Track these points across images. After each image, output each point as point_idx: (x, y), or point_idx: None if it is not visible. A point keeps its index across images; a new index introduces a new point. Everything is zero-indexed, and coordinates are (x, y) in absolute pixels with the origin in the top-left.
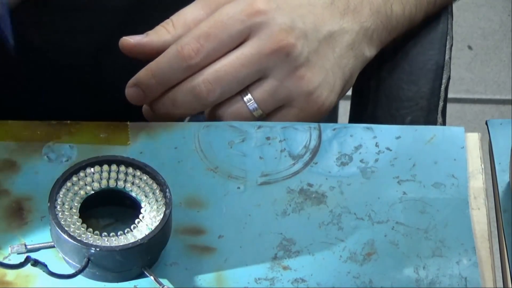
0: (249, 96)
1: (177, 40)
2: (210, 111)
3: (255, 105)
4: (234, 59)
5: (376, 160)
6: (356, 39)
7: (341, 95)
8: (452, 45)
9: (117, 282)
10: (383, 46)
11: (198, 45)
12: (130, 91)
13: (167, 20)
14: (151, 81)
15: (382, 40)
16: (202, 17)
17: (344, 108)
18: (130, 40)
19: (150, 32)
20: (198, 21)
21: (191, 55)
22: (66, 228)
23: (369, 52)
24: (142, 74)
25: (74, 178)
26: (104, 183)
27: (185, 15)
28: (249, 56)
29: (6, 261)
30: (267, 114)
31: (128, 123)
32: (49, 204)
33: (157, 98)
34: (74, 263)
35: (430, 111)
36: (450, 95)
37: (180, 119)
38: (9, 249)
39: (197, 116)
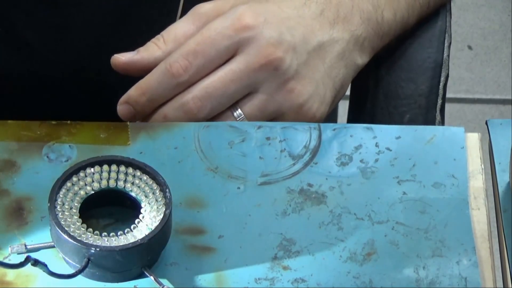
0: (239, 111)
1: (166, 58)
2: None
3: (245, 120)
4: (223, 75)
5: (376, 160)
6: (347, 48)
7: (333, 105)
8: (450, 43)
9: (117, 282)
10: (375, 52)
11: (187, 62)
12: (121, 108)
13: (158, 36)
14: (142, 99)
15: (374, 47)
16: (193, 31)
17: (344, 108)
18: (121, 58)
19: (141, 49)
20: (188, 36)
21: (180, 72)
22: (66, 228)
23: (361, 60)
24: (133, 92)
25: (74, 178)
26: (104, 183)
27: (175, 30)
28: (237, 72)
29: (6, 261)
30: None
31: (128, 123)
32: (49, 204)
33: (148, 114)
34: (74, 263)
35: (429, 109)
36: (450, 95)
37: None
38: (9, 249)
39: None
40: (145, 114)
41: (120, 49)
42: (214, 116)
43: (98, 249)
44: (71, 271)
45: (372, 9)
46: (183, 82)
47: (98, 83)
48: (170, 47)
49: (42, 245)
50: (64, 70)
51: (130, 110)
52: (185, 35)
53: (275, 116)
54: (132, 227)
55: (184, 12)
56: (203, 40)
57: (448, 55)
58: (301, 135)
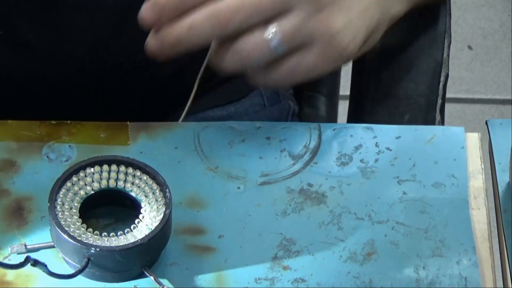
0: (271, 30)
1: None
2: (227, 45)
3: (276, 40)
4: None
5: (376, 160)
6: None
7: (364, 48)
8: (450, 43)
9: (117, 282)
10: (413, 4)
11: None
12: (145, 12)
13: None
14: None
15: None
16: None
17: (344, 108)
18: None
19: None
20: None
21: None
22: (66, 228)
23: (398, 8)
24: None
25: (74, 178)
26: (104, 183)
27: None
28: None
29: (6, 261)
30: (286, 53)
31: (128, 123)
32: (49, 204)
33: (173, 21)
34: (74, 263)
35: (429, 109)
36: (450, 95)
37: (178, 117)
38: (9, 249)
39: (196, 115)
40: (170, 18)
41: (121, 50)
42: (243, 33)
43: (98, 249)
44: (71, 271)
45: None
46: None
47: (99, 83)
48: None
49: (42, 245)
50: (64, 71)
51: (155, 13)
52: None
53: (306, 43)
54: (132, 227)
55: None
56: None
57: (448, 55)
58: (301, 135)
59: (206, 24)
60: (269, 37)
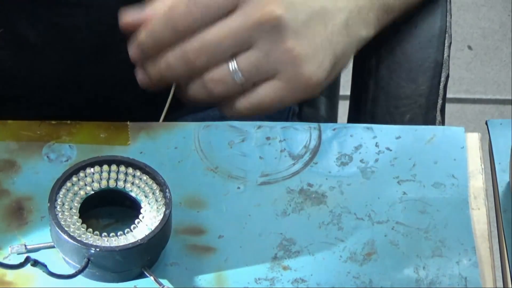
0: (234, 64)
1: (170, 4)
2: (197, 78)
3: (239, 74)
4: (219, 29)
5: (376, 160)
6: (350, 17)
7: (333, 74)
8: (450, 43)
9: (117, 282)
10: (381, 27)
11: (187, 9)
12: (131, 51)
13: None
14: (148, 41)
15: (379, 19)
16: None
17: (344, 108)
18: (128, 18)
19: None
20: None
21: (180, 18)
22: (66, 228)
23: (366, 32)
24: (141, 34)
25: (74, 178)
26: (104, 183)
27: None
28: (234, 28)
29: (6, 261)
30: (251, 85)
31: (128, 123)
32: (49, 204)
33: (153, 60)
34: (74, 263)
35: (429, 109)
36: (450, 95)
37: (179, 117)
38: (9, 249)
39: (196, 115)
40: (149, 56)
41: (122, 50)
42: (211, 67)
43: (98, 249)
44: (71, 271)
45: None
46: (182, 29)
47: (99, 83)
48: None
49: (42, 245)
50: (66, 70)
51: (138, 52)
52: None
53: (270, 75)
54: (132, 227)
55: None
56: None
57: (449, 55)
58: (301, 135)
59: (179, 63)
60: (231, 70)
